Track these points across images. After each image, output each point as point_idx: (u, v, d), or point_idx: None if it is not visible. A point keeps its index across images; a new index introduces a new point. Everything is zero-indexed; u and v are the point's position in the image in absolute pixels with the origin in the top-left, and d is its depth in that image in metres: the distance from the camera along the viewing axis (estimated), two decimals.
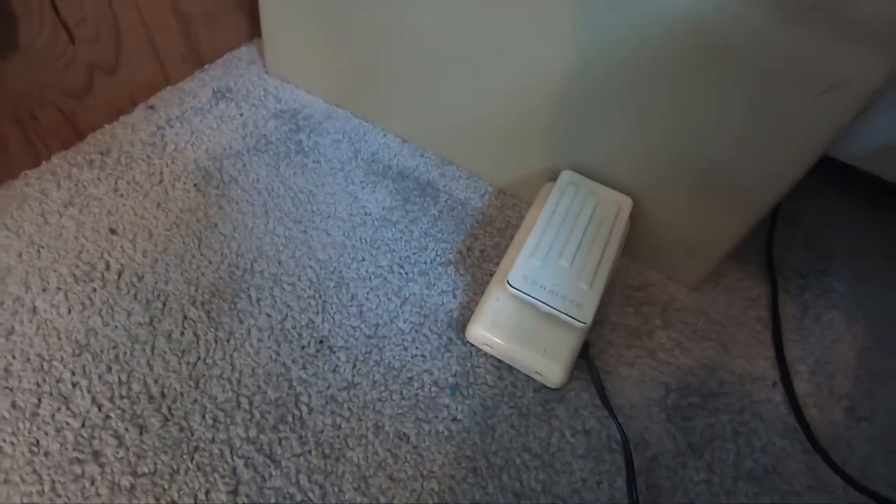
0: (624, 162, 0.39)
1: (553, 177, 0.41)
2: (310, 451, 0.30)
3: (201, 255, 0.37)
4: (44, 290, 0.34)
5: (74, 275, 0.35)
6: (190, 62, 0.50)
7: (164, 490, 0.28)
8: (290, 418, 0.31)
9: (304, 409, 0.32)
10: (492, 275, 0.39)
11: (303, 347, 0.34)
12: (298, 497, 0.29)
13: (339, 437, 0.31)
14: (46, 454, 0.28)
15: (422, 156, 0.48)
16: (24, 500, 0.27)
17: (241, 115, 0.47)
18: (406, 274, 0.39)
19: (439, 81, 0.42)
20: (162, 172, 0.41)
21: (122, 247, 0.37)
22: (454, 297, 0.39)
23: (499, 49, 0.38)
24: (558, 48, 0.35)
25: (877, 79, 0.28)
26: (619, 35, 0.33)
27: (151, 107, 0.46)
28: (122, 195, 0.40)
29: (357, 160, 0.46)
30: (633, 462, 0.32)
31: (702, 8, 0.30)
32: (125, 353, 0.32)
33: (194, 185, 0.41)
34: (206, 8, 0.48)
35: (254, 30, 0.54)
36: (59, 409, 0.30)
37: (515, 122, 0.41)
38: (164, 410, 0.30)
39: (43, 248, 0.36)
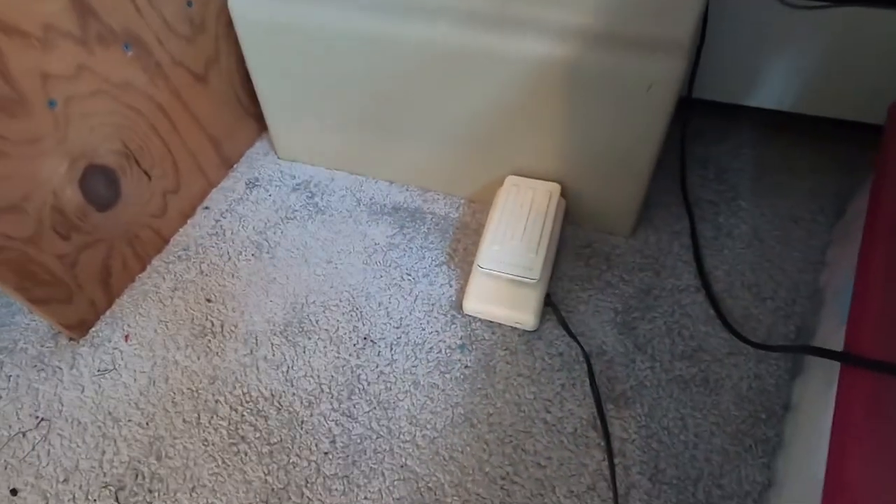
0: (548, 161, 0.53)
1: (503, 180, 0.56)
2: (375, 408, 0.45)
3: (270, 301, 0.53)
4: (178, 348, 0.50)
5: (193, 334, 0.51)
6: (223, 167, 0.67)
7: (290, 450, 0.43)
8: (357, 390, 0.46)
9: (365, 383, 0.47)
10: (473, 265, 0.53)
11: (354, 344, 0.49)
12: (374, 436, 0.44)
13: (391, 395, 0.46)
14: (213, 444, 0.44)
15: (406, 190, 0.63)
16: (208, 473, 0.43)
17: (270, 195, 0.64)
18: (413, 279, 0.54)
19: (409, 134, 0.57)
20: (228, 252, 0.58)
21: (217, 309, 0.53)
22: (451, 286, 0.53)
23: (449, 104, 0.52)
24: (483, 96, 0.50)
25: (678, 73, 0.42)
26: (520, 78, 0.47)
27: (207, 207, 0.63)
28: (206, 275, 0.56)
29: (360, 206, 0.62)
30: (593, 365, 0.45)
31: (561, 53, 0.44)
32: (241, 375, 0.48)
33: (252, 255, 0.58)
34: (226, 125, 0.65)
35: (262, 127, 0.70)
36: (211, 418, 0.45)
37: (469, 149, 0.56)
38: (276, 404, 0.46)
39: (168, 322, 0.52)
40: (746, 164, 0.62)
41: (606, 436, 0.42)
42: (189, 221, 0.62)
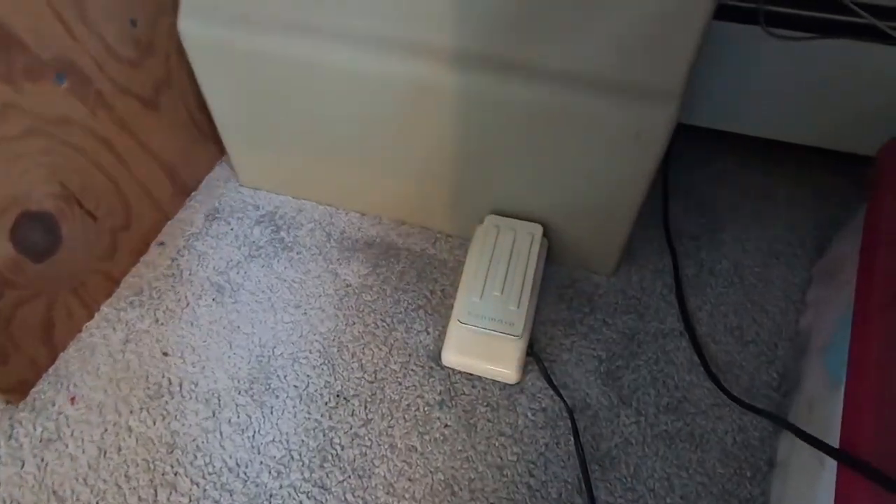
0: (531, 201, 0.51)
1: (482, 217, 0.53)
2: (349, 476, 0.42)
3: (234, 353, 0.49)
4: (131, 412, 0.46)
5: (148, 395, 0.47)
6: (180, 196, 0.62)
7: None
8: (330, 457, 0.43)
9: (338, 447, 0.44)
10: (451, 308, 0.51)
11: (325, 403, 0.46)
12: None
13: (366, 461, 0.43)
14: None
15: (380, 223, 0.59)
16: None
17: (232, 229, 0.59)
18: (388, 325, 0.51)
19: (383, 166, 0.54)
20: (186, 297, 0.53)
21: (175, 364, 0.49)
22: (428, 333, 0.50)
23: (428, 140, 0.49)
24: (464, 135, 0.47)
25: (668, 122, 0.39)
26: (503, 119, 0.44)
27: (162, 243, 0.58)
28: (162, 324, 0.52)
29: (330, 242, 0.58)
30: (577, 422, 0.44)
31: (548, 97, 0.41)
32: (203, 441, 0.44)
33: (213, 299, 0.53)
34: (182, 150, 0.60)
35: (222, 149, 0.65)
36: (170, 494, 0.42)
37: (448, 185, 0.53)
38: (242, 475, 0.43)
39: (120, 380, 0.48)
40: (728, 192, 0.61)
41: (592, 502, 0.40)
42: (142, 259, 0.57)
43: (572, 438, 0.43)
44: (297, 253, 0.57)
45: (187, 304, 0.53)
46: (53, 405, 0.46)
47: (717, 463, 0.43)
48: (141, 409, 0.46)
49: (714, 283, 0.54)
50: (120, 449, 0.44)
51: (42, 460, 0.43)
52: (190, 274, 0.55)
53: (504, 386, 0.47)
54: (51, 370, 0.49)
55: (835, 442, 0.31)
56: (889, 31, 0.45)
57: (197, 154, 0.63)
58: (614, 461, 0.43)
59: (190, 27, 0.48)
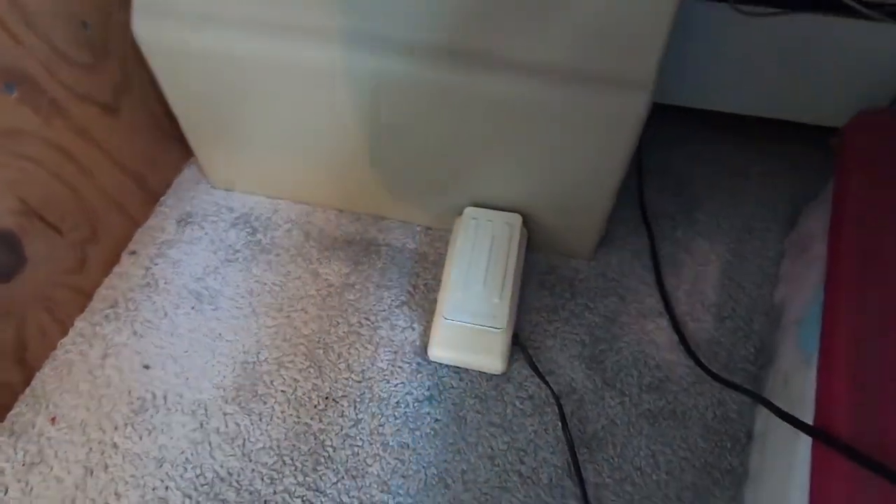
0: (509, 191, 0.50)
1: (461, 209, 0.53)
2: (343, 477, 0.43)
3: (217, 361, 0.49)
4: (115, 428, 0.45)
5: (132, 409, 0.46)
6: (148, 202, 0.60)
7: None
8: (322, 459, 0.44)
9: (330, 449, 0.44)
10: (436, 302, 0.51)
11: (315, 406, 0.46)
12: None
13: (359, 460, 0.43)
14: None
15: (358, 220, 0.59)
16: None
17: (206, 233, 0.58)
18: (373, 324, 0.51)
19: (357, 161, 0.52)
20: (164, 307, 0.52)
21: (157, 376, 0.48)
22: (413, 329, 0.50)
23: (403, 136, 0.48)
24: (440, 129, 0.46)
25: (642, 109, 0.39)
26: (478, 112, 0.43)
27: (133, 252, 0.57)
28: (141, 336, 0.50)
29: (309, 241, 0.57)
30: (563, 407, 0.44)
31: (524, 89, 0.41)
32: (192, 453, 0.44)
33: (192, 307, 0.52)
34: (147, 154, 0.58)
35: (189, 151, 0.63)
36: None
37: (426, 179, 0.52)
38: (234, 484, 0.43)
39: (102, 397, 0.47)
40: (703, 170, 0.62)
41: (581, 484, 0.42)
42: (114, 271, 0.55)
43: (560, 423, 0.44)
44: (276, 255, 0.56)
45: (165, 315, 0.52)
46: (33, 427, 0.45)
47: (698, 438, 0.44)
48: (125, 424, 0.45)
49: (691, 261, 0.55)
50: (107, 467, 0.43)
51: (27, 484, 0.43)
52: (166, 283, 0.54)
53: (491, 377, 0.47)
54: (27, 391, 0.47)
55: (809, 415, 0.32)
56: (854, 6, 0.45)
57: (163, 157, 0.61)
58: (601, 442, 0.44)
59: (144, 28, 0.46)
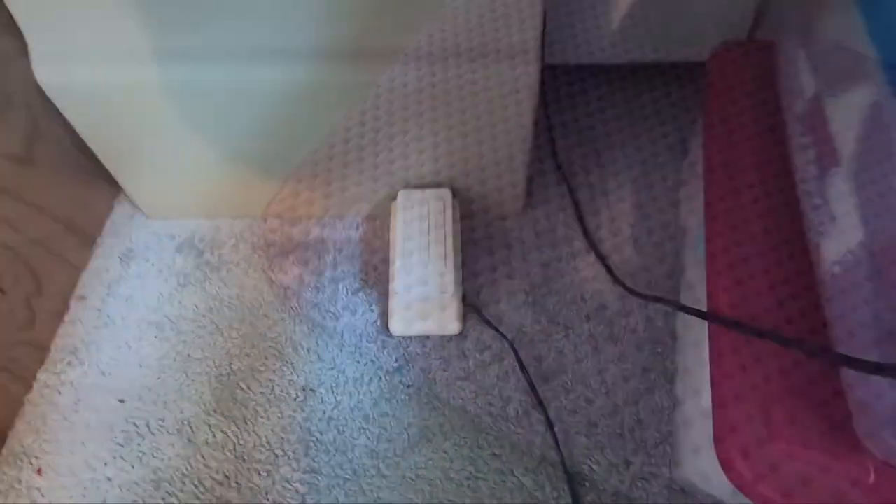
0: (435, 169, 0.55)
1: (394, 195, 0.57)
2: (334, 455, 0.47)
3: (192, 381, 0.51)
4: (105, 463, 0.47)
5: (118, 443, 0.48)
6: (86, 245, 0.60)
7: None
8: (312, 444, 0.47)
9: (317, 434, 0.48)
10: (388, 283, 0.55)
11: (294, 399, 0.50)
12: (342, 482, 0.45)
13: (345, 437, 0.47)
14: None
15: (300, 222, 0.61)
16: None
17: (153, 265, 0.59)
18: (334, 314, 0.54)
19: (284, 168, 0.55)
20: (126, 342, 0.53)
21: (135, 407, 0.50)
22: (372, 311, 0.54)
23: (309, 132, 0.51)
24: (354, 122, 0.49)
25: (533, 74, 0.44)
26: (387, 102, 0.47)
27: (82, 297, 0.57)
28: (109, 374, 0.52)
29: (257, 252, 0.59)
30: (518, 350, 0.50)
31: (424, 73, 0.45)
32: (187, 468, 0.46)
33: (154, 337, 0.54)
34: (73, 198, 0.57)
35: (117, 187, 0.63)
36: None
37: (353, 172, 0.55)
38: (234, 484, 0.46)
39: (83, 440, 0.48)
40: (603, 119, 0.69)
41: (544, 410, 0.47)
42: (66, 319, 0.55)
43: (517, 365, 0.50)
44: (228, 270, 0.58)
45: (130, 348, 0.53)
46: (20, 483, 0.46)
47: (635, 349, 0.51)
48: (115, 457, 0.47)
49: (607, 201, 0.61)
50: (106, 501, 0.45)
51: None
52: (123, 319, 0.55)
53: (450, 338, 0.52)
54: (4, 452, 0.48)
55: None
56: None
57: (92, 197, 0.61)
58: (555, 372, 0.50)
59: (46, 73, 0.46)
